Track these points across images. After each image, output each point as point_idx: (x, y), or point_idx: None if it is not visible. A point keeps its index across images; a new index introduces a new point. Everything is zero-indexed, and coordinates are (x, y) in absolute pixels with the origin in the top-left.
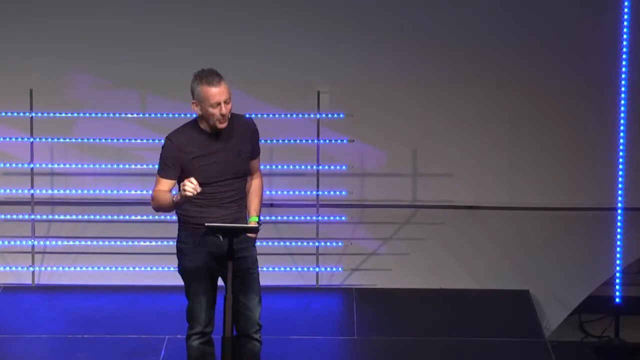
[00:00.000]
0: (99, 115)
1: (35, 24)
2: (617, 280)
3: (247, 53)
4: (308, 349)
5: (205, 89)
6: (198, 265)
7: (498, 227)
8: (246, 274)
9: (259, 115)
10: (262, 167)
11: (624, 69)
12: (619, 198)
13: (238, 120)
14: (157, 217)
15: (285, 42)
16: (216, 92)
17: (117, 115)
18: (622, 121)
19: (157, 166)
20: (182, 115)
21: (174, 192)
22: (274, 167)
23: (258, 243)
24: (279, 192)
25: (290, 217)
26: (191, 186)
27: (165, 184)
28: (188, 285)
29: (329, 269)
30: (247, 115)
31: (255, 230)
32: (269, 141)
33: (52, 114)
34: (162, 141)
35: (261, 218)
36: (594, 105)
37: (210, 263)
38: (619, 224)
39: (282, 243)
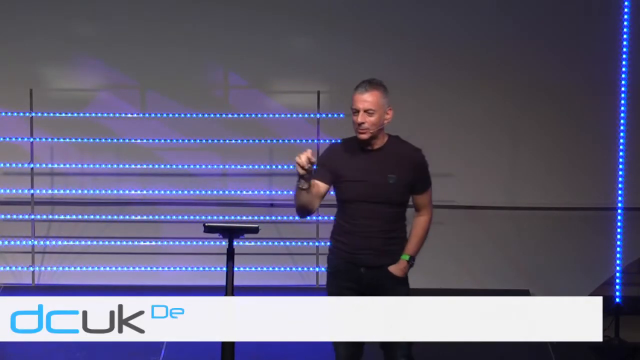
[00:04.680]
0: (99, 115)
1: (35, 24)
2: (617, 280)
3: (248, 53)
4: (308, 349)
5: (353, 94)
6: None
7: (498, 227)
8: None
9: (259, 115)
10: (262, 167)
11: (623, 70)
12: (619, 198)
13: (402, 147)
14: (157, 217)
15: (286, 42)
16: (358, 98)
17: (117, 115)
18: (622, 122)
19: (156, 166)
20: (182, 115)
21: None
22: (274, 167)
23: (259, 243)
24: (279, 192)
25: (290, 217)
26: (302, 156)
27: (316, 186)
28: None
29: None
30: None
31: (255, 230)
32: (269, 141)
33: (52, 114)
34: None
35: (410, 257)
36: (594, 105)
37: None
38: (619, 224)
39: (282, 243)
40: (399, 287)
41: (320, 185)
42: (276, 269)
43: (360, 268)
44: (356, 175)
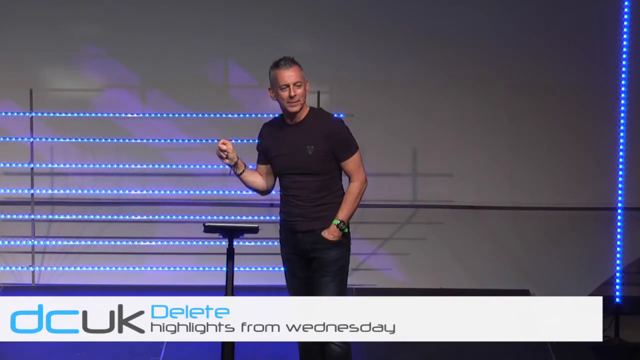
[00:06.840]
0: (99, 114)
1: (36, 24)
2: (617, 280)
3: (249, 53)
4: None
5: (276, 72)
6: (285, 265)
7: (498, 227)
8: (316, 276)
9: (260, 115)
10: None
11: (624, 69)
12: (619, 198)
13: (319, 118)
14: (157, 217)
15: (286, 42)
16: (285, 74)
17: (117, 114)
18: (622, 121)
19: (155, 166)
20: (182, 115)
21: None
22: None
23: (259, 243)
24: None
25: None
26: (217, 150)
27: (259, 169)
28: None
29: None
30: (336, 115)
31: (255, 230)
32: None
33: (52, 114)
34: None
35: (340, 221)
36: (594, 105)
37: (295, 263)
38: (619, 224)
39: None
40: (331, 250)
41: (261, 167)
42: (276, 269)
43: (297, 234)
44: (281, 150)
